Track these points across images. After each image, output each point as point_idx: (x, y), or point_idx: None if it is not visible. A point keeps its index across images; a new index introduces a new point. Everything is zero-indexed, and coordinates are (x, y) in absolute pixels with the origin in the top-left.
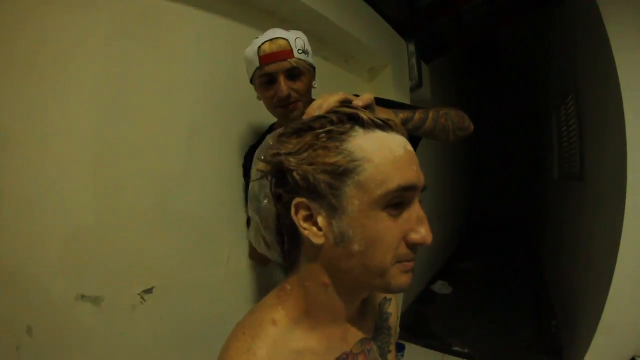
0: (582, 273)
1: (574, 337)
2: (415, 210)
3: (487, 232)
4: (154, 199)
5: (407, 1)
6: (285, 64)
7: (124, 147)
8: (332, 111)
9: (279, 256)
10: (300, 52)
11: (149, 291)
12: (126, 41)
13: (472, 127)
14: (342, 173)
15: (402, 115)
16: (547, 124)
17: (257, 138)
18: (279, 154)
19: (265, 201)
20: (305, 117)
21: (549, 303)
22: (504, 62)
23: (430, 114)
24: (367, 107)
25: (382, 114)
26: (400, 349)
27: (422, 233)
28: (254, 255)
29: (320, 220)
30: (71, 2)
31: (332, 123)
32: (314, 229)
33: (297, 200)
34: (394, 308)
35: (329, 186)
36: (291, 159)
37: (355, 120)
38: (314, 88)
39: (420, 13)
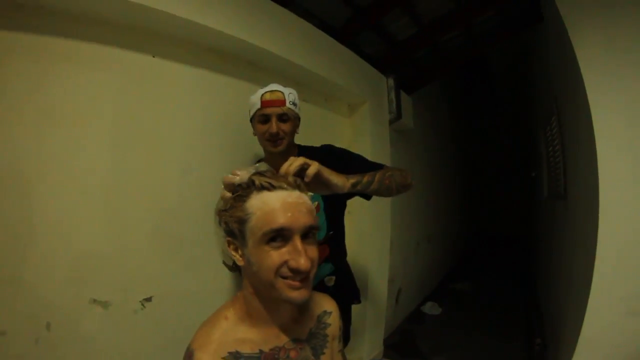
0: (566, 290)
1: (557, 354)
2: (294, 244)
3: (482, 253)
4: (152, 226)
5: (385, 38)
6: (278, 110)
7: (130, 184)
8: (249, 179)
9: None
10: (290, 103)
11: (148, 299)
12: (131, 96)
13: (412, 183)
14: (242, 222)
15: (352, 179)
16: (537, 143)
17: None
18: (220, 210)
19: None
20: (281, 172)
21: (540, 321)
22: (496, 83)
23: (377, 177)
24: (314, 177)
25: (334, 176)
26: None
27: (299, 261)
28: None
29: (240, 250)
30: (88, 63)
31: (242, 188)
32: (237, 255)
33: (228, 238)
34: (334, 319)
35: (238, 230)
36: (224, 214)
37: (255, 186)
38: (297, 133)
39: (398, 47)
